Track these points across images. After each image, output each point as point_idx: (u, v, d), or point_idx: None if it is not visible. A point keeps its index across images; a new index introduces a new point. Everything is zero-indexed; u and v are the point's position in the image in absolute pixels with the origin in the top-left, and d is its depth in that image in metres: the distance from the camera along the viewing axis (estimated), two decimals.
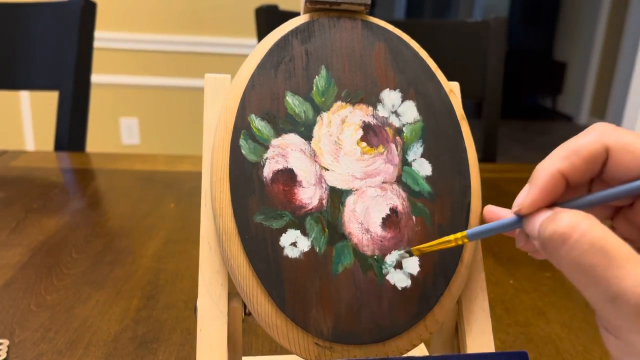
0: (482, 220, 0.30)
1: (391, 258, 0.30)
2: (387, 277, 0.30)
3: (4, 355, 0.43)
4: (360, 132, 0.31)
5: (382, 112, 0.32)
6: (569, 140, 0.25)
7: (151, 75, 2.13)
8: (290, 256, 0.29)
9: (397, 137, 0.32)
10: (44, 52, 1.06)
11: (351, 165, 0.31)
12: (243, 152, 0.30)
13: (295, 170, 0.30)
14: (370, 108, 0.32)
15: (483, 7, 5.62)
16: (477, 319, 0.32)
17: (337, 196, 0.30)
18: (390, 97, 0.32)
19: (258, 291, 0.28)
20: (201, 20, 2.08)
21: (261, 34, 1.07)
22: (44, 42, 1.06)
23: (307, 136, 0.30)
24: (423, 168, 0.31)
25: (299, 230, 0.29)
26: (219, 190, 0.29)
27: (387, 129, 0.32)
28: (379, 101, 0.32)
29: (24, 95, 2.08)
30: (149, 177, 0.87)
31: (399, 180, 0.31)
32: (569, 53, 5.06)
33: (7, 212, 0.71)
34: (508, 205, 0.27)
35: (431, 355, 0.28)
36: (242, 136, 0.30)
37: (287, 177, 0.30)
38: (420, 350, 0.42)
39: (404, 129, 0.32)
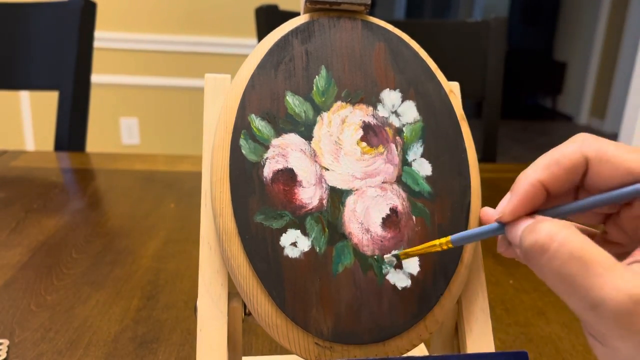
0: (480, 221, 0.30)
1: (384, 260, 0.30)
2: (387, 277, 0.30)
3: (4, 355, 0.43)
4: (360, 132, 0.31)
5: (382, 112, 0.32)
6: (551, 150, 0.26)
7: (151, 75, 2.13)
8: (290, 256, 0.29)
9: (397, 137, 0.32)
10: (44, 52, 1.06)
11: (351, 165, 0.31)
12: (243, 152, 0.30)
13: (296, 170, 0.30)
14: (370, 108, 0.32)
15: (483, 7, 5.62)
16: (477, 319, 0.32)
17: (337, 196, 0.30)
18: (390, 97, 0.32)
19: (258, 291, 0.28)
20: (201, 20, 2.08)
21: (261, 34, 1.07)
22: (44, 42, 1.06)
23: (307, 136, 0.30)
24: (423, 168, 0.32)
25: (299, 230, 0.29)
26: (219, 190, 0.29)
27: (387, 129, 0.32)
28: (379, 101, 0.32)
29: (24, 95, 2.08)
30: (149, 177, 0.87)
31: (399, 180, 0.31)
32: (569, 53, 5.06)
33: (7, 212, 0.71)
34: None
35: (431, 355, 0.28)
36: (242, 136, 0.30)
37: (287, 177, 0.30)
38: (420, 350, 0.42)
39: (404, 129, 0.32)
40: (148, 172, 0.89)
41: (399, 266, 0.30)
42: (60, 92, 1.05)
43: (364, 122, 0.31)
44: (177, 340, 0.46)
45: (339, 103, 0.31)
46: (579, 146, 0.25)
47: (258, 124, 0.30)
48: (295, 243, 0.29)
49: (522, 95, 5.32)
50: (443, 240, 0.28)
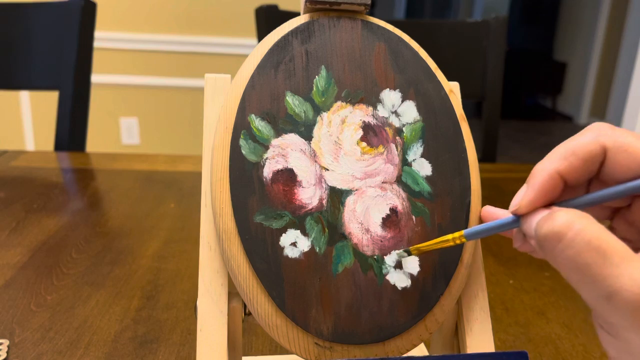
0: (481, 221, 0.30)
1: (391, 258, 0.30)
2: (387, 277, 0.30)
3: (4, 355, 0.43)
4: (360, 132, 0.31)
5: (382, 112, 0.32)
6: (566, 140, 0.25)
7: (151, 75, 2.13)
8: (290, 256, 0.29)
9: (397, 137, 0.32)
10: (44, 52, 1.06)
11: (351, 165, 0.31)
12: (243, 152, 0.30)
13: (295, 170, 0.30)
14: (370, 108, 0.32)
15: (483, 7, 5.62)
16: (477, 319, 0.32)
17: (337, 196, 0.30)
18: (390, 97, 0.32)
19: (258, 291, 0.28)
20: (201, 20, 2.08)
21: (261, 34, 1.07)
22: (44, 42, 1.07)
23: (307, 136, 0.30)
24: (423, 168, 0.32)
25: (299, 230, 0.29)
26: (219, 190, 0.29)
27: (387, 129, 0.32)
28: (379, 101, 0.32)
29: (24, 95, 2.08)
30: (149, 177, 0.87)
31: (399, 180, 0.31)
32: (569, 53, 5.06)
33: (7, 212, 0.71)
34: (508, 204, 0.27)
35: (431, 355, 0.28)
36: (242, 136, 0.30)
37: (287, 177, 0.30)
38: (420, 350, 0.42)
39: (404, 129, 0.32)
40: (148, 172, 0.89)
41: (399, 266, 0.30)
42: (60, 92, 1.05)
43: (364, 122, 0.31)
44: (177, 340, 0.46)
45: (338, 103, 0.31)
46: (596, 135, 0.24)
47: (258, 124, 0.30)
48: (295, 243, 0.29)
49: (522, 95, 5.32)
50: (456, 234, 0.27)
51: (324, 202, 0.30)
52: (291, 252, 0.29)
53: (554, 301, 0.54)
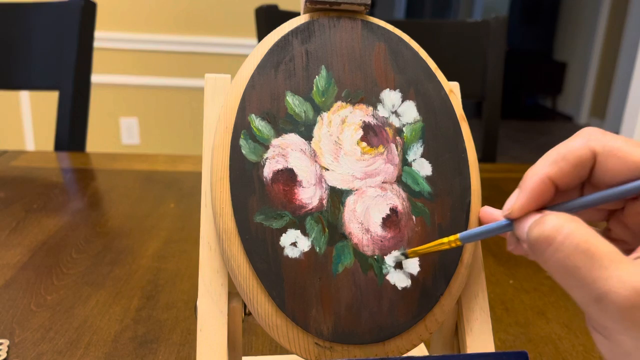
0: (480, 221, 0.30)
1: (391, 258, 0.30)
2: (387, 277, 0.30)
3: (4, 355, 0.43)
4: (360, 132, 0.31)
5: (382, 112, 0.32)
6: (558, 145, 0.25)
7: (151, 75, 2.13)
8: (290, 256, 0.29)
9: (397, 137, 0.32)
10: (44, 52, 1.06)
11: (351, 165, 0.31)
12: (243, 152, 0.30)
13: (296, 170, 0.30)
14: (370, 108, 0.32)
15: (483, 7, 5.62)
16: (477, 319, 0.32)
17: (337, 196, 0.30)
18: (390, 97, 0.32)
19: (258, 291, 0.28)
20: (201, 20, 2.08)
21: (261, 34, 1.07)
22: (44, 42, 1.07)
23: (307, 136, 0.30)
24: (423, 168, 0.32)
25: (299, 230, 0.29)
26: (219, 190, 0.29)
27: (387, 129, 0.32)
28: (379, 101, 0.32)
29: (24, 95, 2.08)
30: (149, 177, 0.87)
31: (399, 180, 0.31)
32: (569, 53, 5.06)
33: (7, 212, 0.71)
34: None
35: (431, 355, 0.28)
36: (242, 136, 0.30)
37: (287, 177, 0.30)
38: (420, 350, 0.42)
39: (404, 129, 0.32)
40: (148, 172, 0.89)
41: (399, 266, 0.30)
42: (60, 92, 1.05)
43: (364, 122, 0.31)
44: (177, 340, 0.46)
45: (339, 103, 0.31)
46: (586, 141, 0.25)
47: (258, 124, 0.30)
48: (295, 243, 0.29)
49: (522, 95, 5.32)
50: (452, 238, 0.28)
51: (324, 202, 0.30)
52: (291, 252, 0.29)
53: (554, 301, 0.54)
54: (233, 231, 0.29)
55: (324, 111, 0.31)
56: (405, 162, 0.31)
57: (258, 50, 0.32)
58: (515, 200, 0.25)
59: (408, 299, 0.30)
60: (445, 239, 0.28)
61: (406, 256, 0.30)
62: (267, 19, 1.04)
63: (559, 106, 5.18)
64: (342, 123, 0.31)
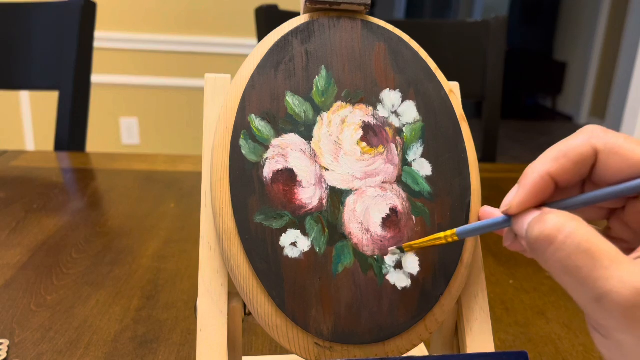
0: (479, 220, 0.30)
1: (391, 258, 0.30)
2: (387, 277, 0.30)
3: (4, 355, 0.43)
4: (360, 132, 0.31)
5: (382, 112, 0.32)
6: (559, 142, 0.25)
7: (151, 75, 2.13)
8: (290, 256, 0.29)
9: (397, 137, 0.32)
10: (44, 52, 1.06)
11: (351, 165, 0.31)
12: (243, 152, 0.30)
13: (295, 170, 0.30)
14: (370, 108, 0.32)
15: (483, 7, 5.62)
16: (477, 319, 0.32)
17: (337, 196, 0.30)
18: (390, 97, 0.32)
19: (258, 291, 0.28)
20: (201, 20, 2.08)
21: (261, 34, 1.07)
22: (44, 42, 1.06)
23: (307, 136, 0.30)
24: (423, 168, 0.32)
25: (299, 230, 0.29)
26: (219, 190, 0.29)
27: (387, 129, 0.32)
28: (379, 101, 0.32)
29: (24, 95, 2.08)
30: (149, 177, 0.87)
31: (399, 180, 0.31)
32: (569, 53, 5.06)
33: (7, 212, 0.71)
34: None
35: (431, 355, 0.28)
36: (242, 136, 0.30)
37: (287, 177, 0.30)
38: (420, 350, 0.42)
39: (404, 129, 0.32)
40: (148, 172, 0.89)
41: (399, 266, 0.30)
42: (60, 92, 1.05)
43: (364, 122, 0.31)
44: (177, 340, 0.46)
45: (338, 103, 0.31)
46: (587, 138, 0.24)
47: (258, 124, 0.30)
48: (295, 243, 0.29)
49: (522, 95, 5.32)
50: (448, 232, 0.28)
51: (324, 202, 0.30)
52: (291, 252, 0.29)
53: (554, 301, 0.54)
54: (233, 231, 0.29)
55: (324, 111, 0.31)
56: (405, 162, 0.31)
57: (258, 50, 0.32)
58: (514, 197, 0.25)
59: (408, 299, 0.30)
60: (441, 234, 0.28)
61: (402, 250, 0.30)
62: (267, 19, 1.04)
63: (559, 106, 5.18)
64: (342, 123, 0.31)
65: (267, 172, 0.29)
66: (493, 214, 0.29)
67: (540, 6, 5.54)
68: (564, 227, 0.21)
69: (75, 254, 0.61)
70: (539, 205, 0.25)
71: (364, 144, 0.31)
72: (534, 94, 5.55)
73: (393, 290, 0.30)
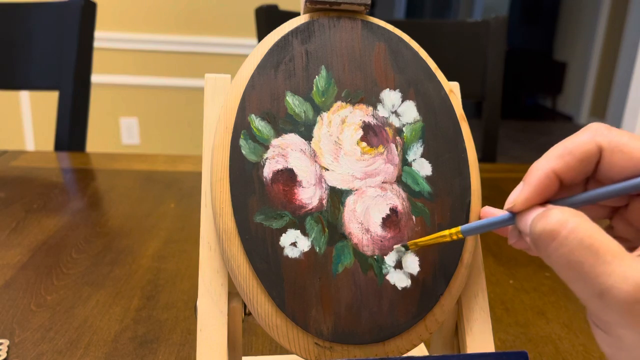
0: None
1: (391, 258, 0.30)
2: (387, 277, 0.30)
3: (4, 355, 0.43)
4: (360, 132, 0.31)
5: (382, 112, 0.32)
6: (564, 140, 0.25)
7: (151, 75, 2.13)
8: (290, 256, 0.29)
9: (397, 137, 0.32)
10: (44, 52, 1.06)
11: (351, 165, 0.31)
12: (243, 152, 0.30)
13: (295, 170, 0.30)
14: (370, 108, 0.32)
15: (483, 7, 5.62)
16: (477, 319, 0.32)
17: (337, 196, 0.30)
18: (390, 97, 0.32)
19: (258, 291, 0.28)
20: (201, 20, 2.08)
21: (261, 34, 1.07)
22: (44, 42, 1.06)
23: (307, 136, 0.30)
24: (423, 168, 0.32)
25: (299, 230, 0.29)
26: (219, 190, 0.29)
27: (387, 129, 0.32)
28: (379, 101, 0.32)
29: (24, 95, 2.08)
30: (149, 177, 0.87)
31: (399, 180, 0.31)
32: (569, 53, 5.06)
33: (7, 212, 0.71)
34: None
35: (431, 355, 0.28)
36: (242, 136, 0.30)
37: (287, 177, 0.30)
38: (420, 350, 0.42)
39: (404, 129, 0.32)
40: (148, 172, 0.89)
41: (399, 266, 0.30)
42: (60, 92, 1.05)
43: (364, 122, 0.31)
44: (177, 340, 0.46)
45: (338, 103, 0.31)
46: (592, 135, 0.24)
47: (258, 124, 0.30)
48: (295, 243, 0.29)
49: (522, 95, 5.32)
50: (453, 230, 0.28)
51: (324, 202, 0.30)
52: (291, 252, 0.29)
53: (554, 301, 0.54)
54: (233, 231, 0.29)
55: (324, 111, 0.31)
56: (405, 162, 0.31)
57: (258, 50, 0.32)
58: (519, 194, 0.25)
59: (408, 299, 0.30)
60: (446, 231, 0.28)
61: (407, 248, 0.30)
62: (267, 19, 1.04)
63: (559, 106, 5.18)
64: (342, 123, 0.31)
65: (267, 172, 0.29)
66: (495, 214, 0.29)
67: (540, 6, 5.55)
68: (567, 222, 0.21)
69: (75, 254, 0.61)
70: (543, 203, 0.25)
71: (364, 144, 0.31)
72: (534, 94, 5.55)
73: (393, 290, 0.30)
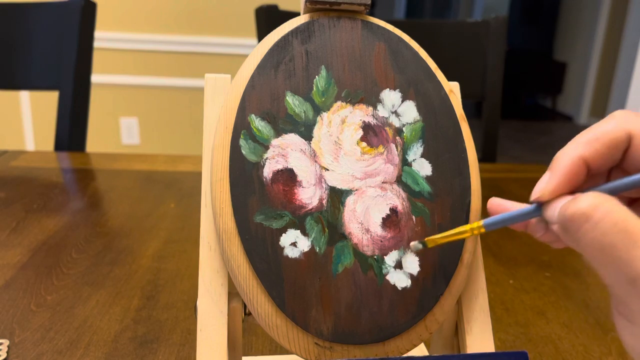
0: (486, 216, 0.30)
1: (391, 258, 0.30)
2: (387, 277, 0.30)
3: (4, 355, 0.43)
4: (360, 132, 0.31)
5: (382, 112, 0.32)
6: (589, 127, 0.25)
7: (151, 75, 2.13)
8: (290, 256, 0.29)
9: (397, 137, 0.32)
10: (44, 52, 1.06)
11: (351, 165, 0.31)
12: (243, 152, 0.30)
13: (295, 170, 0.30)
14: (370, 108, 0.32)
15: (483, 7, 5.62)
16: (477, 319, 0.32)
17: (337, 196, 0.30)
18: (390, 97, 0.32)
19: (258, 291, 0.28)
20: (201, 20, 2.08)
21: (261, 34, 1.07)
22: (44, 42, 1.06)
23: (307, 136, 0.30)
24: (423, 168, 0.32)
25: (299, 230, 0.29)
26: (219, 190, 0.29)
27: (387, 129, 0.32)
28: (379, 101, 0.32)
29: (24, 95, 2.08)
30: (149, 177, 0.87)
31: (399, 180, 0.31)
32: (569, 53, 5.06)
33: (7, 212, 0.71)
34: None
35: (431, 355, 0.28)
36: (242, 136, 0.30)
37: (287, 177, 0.30)
38: (420, 350, 0.42)
39: (404, 129, 0.32)
40: (148, 172, 0.89)
41: (398, 266, 0.30)
42: (60, 92, 1.05)
43: (363, 122, 0.31)
44: (177, 340, 0.46)
45: (338, 103, 0.31)
46: (620, 122, 0.24)
47: (258, 124, 0.30)
48: (295, 243, 0.29)
49: (522, 95, 5.32)
50: (474, 225, 0.27)
51: (324, 202, 0.30)
52: (291, 252, 0.29)
53: (554, 301, 0.54)
54: (233, 231, 0.29)
55: (324, 111, 0.31)
56: (405, 162, 0.31)
57: (258, 50, 0.32)
58: (547, 183, 0.24)
59: (408, 299, 0.30)
60: (467, 226, 0.27)
61: (424, 245, 0.29)
62: (267, 19, 1.04)
63: (559, 106, 5.18)
64: (342, 123, 0.31)
65: (267, 172, 0.29)
66: (503, 205, 0.27)
67: (540, 6, 5.55)
68: (600, 205, 0.20)
69: (75, 254, 0.61)
70: (571, 192, 0.24)
71: (364, 144, 0.31)
72: (534, 94, 5.55)
73: (393, 290, 0.30)
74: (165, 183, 0.84)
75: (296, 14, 0.35)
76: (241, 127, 0.30)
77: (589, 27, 4.63)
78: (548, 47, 5.46)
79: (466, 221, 0.31)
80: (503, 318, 0.51)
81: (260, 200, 0.29)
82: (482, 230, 0.27)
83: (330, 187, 0.30)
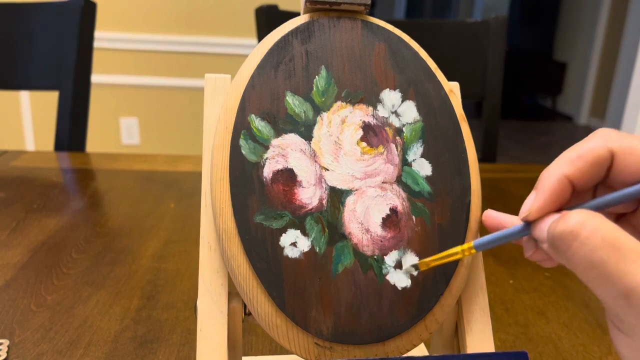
0: (482, 224, 0.30)
1: (391, 258, 0.30)
2: (387, 277, 0.30)
3: (4, 355, 0.43)
4: (360, 132, 0.31)
5: (382, 112, 0.32)
6: (573, 146, 0.25)
7: (151, 75, 2.13)
8: (290, 256, 0.29)
9: (397, 137, 0.32)
10: (44, 52, 1.07)
11: (351, 165, 0.31)
12: (243, 152, 0.30)
13: (295, 170, 0.30)
14: (370, 108, 0.32)
15: (483, 7, 5.62)
16: (477, 319, 0.32)
17: (337, 196, 0.30)
18: (390, 97, 0.32)
19: (258, 291, 0.28)
20: (201, 20, 2.08)
21: (261, 34, 1.07)
22: (44, 42, 1.07)
23: (307, 136, 0.30)
24: (423, 168, 0.32)
25: (299, 230, 0.29)
26: (219, 190, 0.29)
27: (387, 129, 0.32)
28: (379, 101, 0.32)
29: (24, 95, 2.08)
30: (149, 177, 0.87)
31: (399, 180, 0.31)
32: (569, 53, 5.06)
33: (7, 212, 0.71)
34: (508, 204, 0.27)
35: (431, 355, 0.28)
36: (242, 136, 0.30)
37: (287, 177, 0.30)
38: (420, 350, 0.42)
39: (404, 129, 0.32)
40: (148, 172, 0.89)
41: (398, 266, 0.30)
42: (60, 92, 1.05)
43: (363, 122, 0.31)
44: (177, 340, 0.46)
45: (338, 103, 0.31)
46: (603, 140, 0.24)
47: (258, 124, 0.30)
48: (295, 243, 0.29)
49: (522, 95, 5.32)
50: (465, 246, 0.27)
51: (324, 202, 0.30)
52: (291, 252, 0.29)
53: (554, 301, 0.54)
54: (233, 231, 0.29)
55: (324, 111, 0.31)
56: (405, 162, 0.31)
57: (258, 50, 0.32)
58: (533, 202, 0.24)
59: (408, 299, 0.30)
60: (458, 248, 0.27)
61: (417, 268, 0.29)
62: (267, 19, 1.04)
63: (559, 106, 5.18)
64: (342, 123, 0.31)
65: (267, 172, 0.29)
66: (497, 218, 0.28)
67: (540, 6, 5.55)
68: (588, 222, 0.21)
69: (75, 254, 0.61)
70: (558, 210, 0.24)
71: (364, 144, 0.31)
72: (534, 94, 5.55)
73: (393, 290, 0.30)
74: (165, 183, 0.84)
75: (296, 14, 0.35)
76: (241, 127, 0.30)
77: (588, 27, 4.63)
78: (548, 47, 5.47)
79: (466, 221, 0.31)
80: (503, 318, 0.51)
81: (260, 200, 0.29)
82: (473, 251, 0.27)
83: (330, 187, 0.30)
